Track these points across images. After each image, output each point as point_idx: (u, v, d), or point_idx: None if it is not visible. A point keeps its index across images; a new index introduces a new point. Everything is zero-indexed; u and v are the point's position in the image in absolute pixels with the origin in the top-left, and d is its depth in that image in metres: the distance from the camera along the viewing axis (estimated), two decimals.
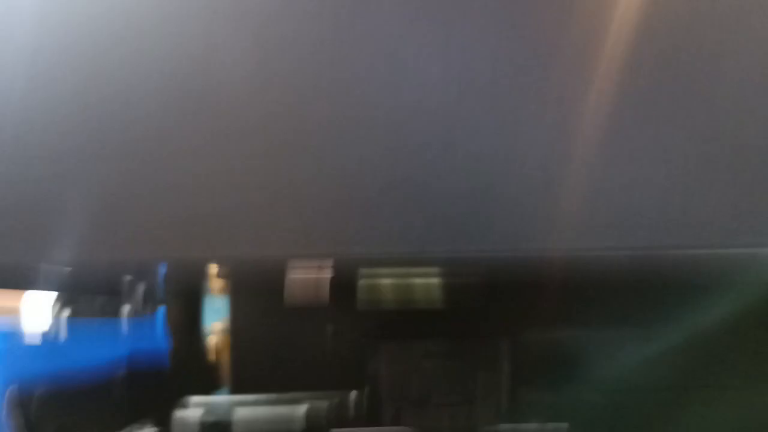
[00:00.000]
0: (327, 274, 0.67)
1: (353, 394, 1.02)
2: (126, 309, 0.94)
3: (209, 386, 1.23)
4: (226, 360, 1.24)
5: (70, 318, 0.83)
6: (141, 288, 0.98)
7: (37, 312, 0.76)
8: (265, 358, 1.06)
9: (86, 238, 0.55)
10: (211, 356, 1.30)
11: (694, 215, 0.54)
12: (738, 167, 0.54)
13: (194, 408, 1.05)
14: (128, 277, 0.95)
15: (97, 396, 0.80)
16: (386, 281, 0.88)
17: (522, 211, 0.55)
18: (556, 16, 0.55)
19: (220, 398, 1.16)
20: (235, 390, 1.13)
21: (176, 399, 1.02)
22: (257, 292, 1.06)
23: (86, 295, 0.87)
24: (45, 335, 0.74)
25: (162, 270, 0.96)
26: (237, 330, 1.13)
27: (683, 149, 0.54)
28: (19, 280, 0.73)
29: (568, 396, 0.91)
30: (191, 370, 1.20)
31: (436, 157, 0.55)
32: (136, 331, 0.93)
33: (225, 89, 0.55)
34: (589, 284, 0.73)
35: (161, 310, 1.00)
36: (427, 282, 0.89)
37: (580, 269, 0.66)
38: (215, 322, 1.39)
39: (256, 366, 1.09)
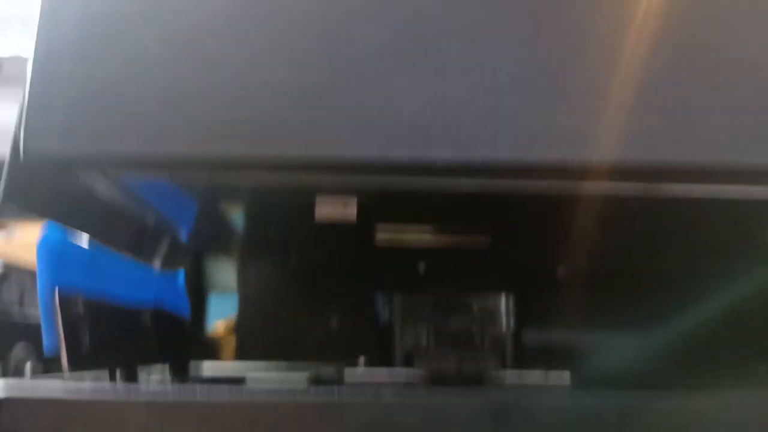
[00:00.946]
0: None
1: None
2: (154, 260, 0.99)
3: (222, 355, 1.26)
4: (235, 333, 1.28)
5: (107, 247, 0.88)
6: (165, 244, 1.03)
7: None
8: (274, 324, 1.09)
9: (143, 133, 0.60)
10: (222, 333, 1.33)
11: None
12: None
13: (208, 366, 1.09)
14: (154, 229, 1.00)
15: (125, 325, 0.84)
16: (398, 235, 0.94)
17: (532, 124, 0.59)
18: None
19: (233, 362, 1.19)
20: (246, 356, 1.16)
21: (191, 355, 1.06)
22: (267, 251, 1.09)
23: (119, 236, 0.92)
24: (87, 252, 0.79)
25: (185, 230, 1.01)
26: (246, 302, 1.16)
27: None
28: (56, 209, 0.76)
29: (572, 344, 0.95)
30: (204, 335, 1.23)
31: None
32: (161, 282, 0.97)
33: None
34: (594, 225, 0.78)
35: (181, 271, 1.05)
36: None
37: (586, 203, 0.71)
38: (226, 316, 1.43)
39: (264, 334, 1.12)
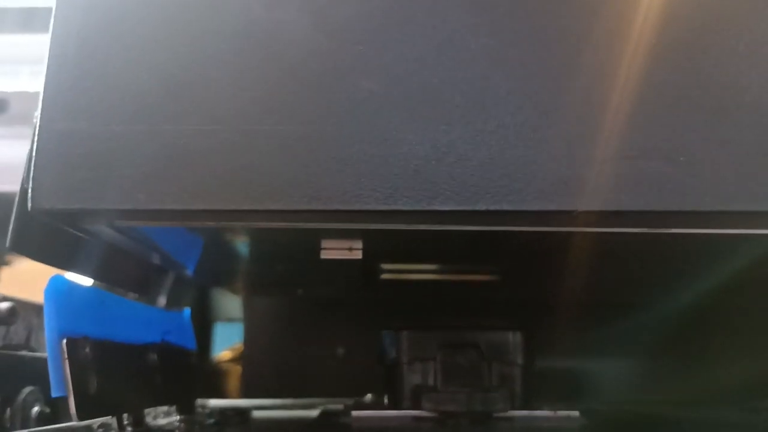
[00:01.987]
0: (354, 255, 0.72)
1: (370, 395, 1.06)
2: (160, 298, 1.00)
3: (227, 389, 1.27)
4: (241, 366, 1.28)
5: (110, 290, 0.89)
6: (170, 280, 1.03)
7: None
8: (280, 359, 1.09)
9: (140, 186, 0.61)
10: (227, 363, 1.33)
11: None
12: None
13: (215, 404, 1.09)
14: (160, 267, 1.00)
15: (133, 366, 0.84)
16: (404, 272, 0.94)
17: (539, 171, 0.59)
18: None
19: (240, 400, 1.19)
20: (251, 395, 1.17)
21: (198, 394, 1.06)
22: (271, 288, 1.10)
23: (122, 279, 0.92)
24: (94, 293, 0.79)
25: (191, 266, 1.01)
26: (251, 335, 1.16)
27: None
28: (61, 256, 0.77)
29: (582, 386, 0.95)
30: (211, 372, 1.23)
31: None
32: (167, 318, 0.97)
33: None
34: (602, 260, 0.78)
35: (187, 310, 1.05)
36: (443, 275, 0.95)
37: (596, 244, 0.71)
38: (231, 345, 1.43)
39: (270, 369, 1.12)
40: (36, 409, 0.85)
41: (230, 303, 1.40)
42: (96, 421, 0.77)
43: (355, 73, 0.61)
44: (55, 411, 0.87)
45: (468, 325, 0.89)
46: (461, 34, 0.61)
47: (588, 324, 1.01)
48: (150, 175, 0.61)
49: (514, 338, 0.89)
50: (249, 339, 1.19)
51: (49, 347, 0.69)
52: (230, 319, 1.46)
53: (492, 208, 0.58)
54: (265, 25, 0.62)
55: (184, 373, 0.98)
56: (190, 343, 1.02)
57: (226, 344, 1.45)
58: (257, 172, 0.59)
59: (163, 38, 0.62)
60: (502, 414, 0.84)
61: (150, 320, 0.92)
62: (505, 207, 0.58)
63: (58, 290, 0.69)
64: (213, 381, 1.26)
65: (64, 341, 0.68)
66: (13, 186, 0.68)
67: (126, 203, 0.62)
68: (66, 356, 0.68)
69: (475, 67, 0.61)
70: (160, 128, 0.61)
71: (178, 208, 0.62)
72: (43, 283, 0.69)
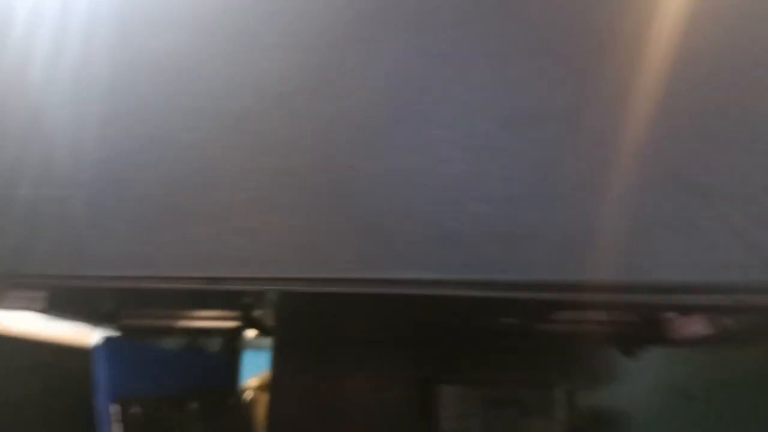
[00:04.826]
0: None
1: None
2: (211, 343, 1.00)
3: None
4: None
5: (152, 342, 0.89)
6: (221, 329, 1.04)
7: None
8: (311, 407, 1.09)
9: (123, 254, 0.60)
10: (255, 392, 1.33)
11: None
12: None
13: None
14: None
15: (177, 419, 0.84)
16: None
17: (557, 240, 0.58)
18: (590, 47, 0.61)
19: None
20: None
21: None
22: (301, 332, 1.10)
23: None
24: (140, 349, 0.79)
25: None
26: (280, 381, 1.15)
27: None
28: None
29: None
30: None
31: (460, 186, 0.60)
32: (208, 363, 0.98)
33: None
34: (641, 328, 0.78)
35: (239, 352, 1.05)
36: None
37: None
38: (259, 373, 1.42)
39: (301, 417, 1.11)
40: None
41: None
42: None
43: (358, 155, 0.61)
44: None
45: (511, 381, 0.89)
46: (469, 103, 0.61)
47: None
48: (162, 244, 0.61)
49: (557, 395, 0.88)
50: (277, 387, 1.18)
51: (100, 408, 0.70)
52: (258, 347, 1.46)
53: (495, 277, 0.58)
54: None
55: (225, 415, 0.98)
56: (228, 380, 1.02)
57: (254, 372, 1.45)
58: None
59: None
60: None
61: (193, 365, 0.92)
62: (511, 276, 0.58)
63: (111, 351, 0.70)
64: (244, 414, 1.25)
65: (116, 405, 0.69)
66: None
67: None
68: (118, 418, 0.68)
69: (479, 148, 0.60)
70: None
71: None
72: None
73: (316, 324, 1.11)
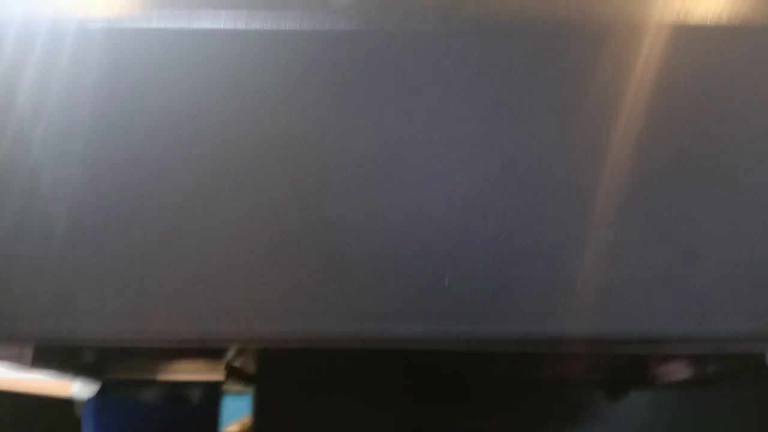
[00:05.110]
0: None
1: None
2: (189, 395, 0.99)
3: None
4: None
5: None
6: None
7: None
8: None
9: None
10: None
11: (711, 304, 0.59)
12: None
13: None
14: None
15: None
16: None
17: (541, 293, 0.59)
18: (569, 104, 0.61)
19: None
20: None
21: None
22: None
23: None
24: (124, 414, 0.78)
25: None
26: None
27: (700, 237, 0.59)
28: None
29: None
30: None
31: (453, 239, 0.60)
32: (191, 416, 0.97)
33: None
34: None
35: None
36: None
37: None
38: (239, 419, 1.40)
39: None
40: None
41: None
42: None
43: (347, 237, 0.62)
44: None
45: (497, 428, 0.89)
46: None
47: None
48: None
49: None
50: (258, 422, 1.16)
51: None
52: (238, 391, 1.44)
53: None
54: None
55: None
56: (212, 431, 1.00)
57: (235, 417, 1.43)
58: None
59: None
60: None
61: (174, 418, 0.91)
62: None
63: (98, 412, 0.69)
64: None
65: None
66: None
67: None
68: None
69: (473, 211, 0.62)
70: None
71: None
72: None
73: (300, 370, 1.10)
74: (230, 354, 0.95)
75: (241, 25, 0.63)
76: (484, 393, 0.96)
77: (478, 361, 0.81)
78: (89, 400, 0.69)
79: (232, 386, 1.35)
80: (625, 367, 0.82)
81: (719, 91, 0.62)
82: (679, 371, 0.80)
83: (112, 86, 0.62)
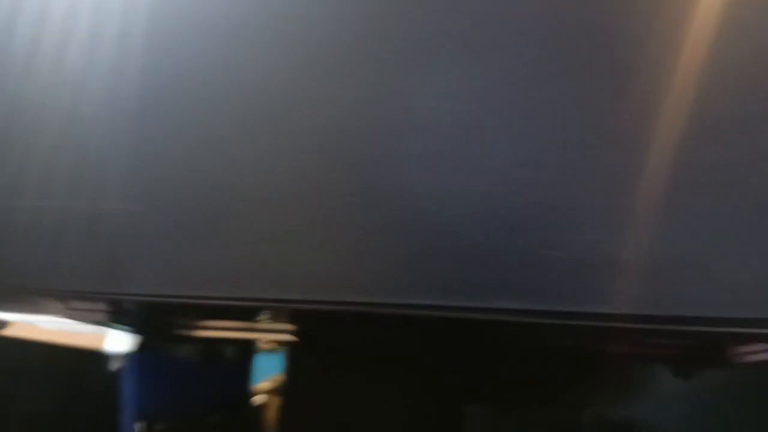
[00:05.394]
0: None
1: None
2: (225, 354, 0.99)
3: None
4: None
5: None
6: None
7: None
8: (323, 413, 1.06)
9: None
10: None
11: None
12: None
13: None
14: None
15: None
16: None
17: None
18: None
19: None
20: None
21: None
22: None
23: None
24: (162, 372, 0.78)
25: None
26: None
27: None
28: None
29: None
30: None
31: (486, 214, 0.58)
32: (226, 374, 0.97)
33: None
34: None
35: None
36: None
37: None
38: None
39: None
40: None
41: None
42: None
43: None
44: None
45: (541, 403, 0.87)
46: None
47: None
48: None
49: (588, 418, 0.87)
50: (290, 380, 1.15)
51: (125, 425, 0.68)
52: (270, 351, 1.44)
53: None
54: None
55: (242, 425, 0.97)
56: (246, 389, 1.00)
57: (266, 375, 1.44)
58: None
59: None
60: None
61: (211, 377, 0.91)
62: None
63: (139, 370, 0.68)
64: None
65: (142, 423, 0.67)
66: None
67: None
68: None
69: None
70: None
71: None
72: None
73: (334, 334, 1.09)
74: (265, 315, 0.94)
75: None
76: (529, 366, 0.94)
77: (524, 335, 0.79)
78: (130, 355, 0.68)
79: (264, 345, 1.35)
80: (699, 347, 0.79)
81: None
82: (754, 353, 0.77)
83: (155, 39, 0.61)
